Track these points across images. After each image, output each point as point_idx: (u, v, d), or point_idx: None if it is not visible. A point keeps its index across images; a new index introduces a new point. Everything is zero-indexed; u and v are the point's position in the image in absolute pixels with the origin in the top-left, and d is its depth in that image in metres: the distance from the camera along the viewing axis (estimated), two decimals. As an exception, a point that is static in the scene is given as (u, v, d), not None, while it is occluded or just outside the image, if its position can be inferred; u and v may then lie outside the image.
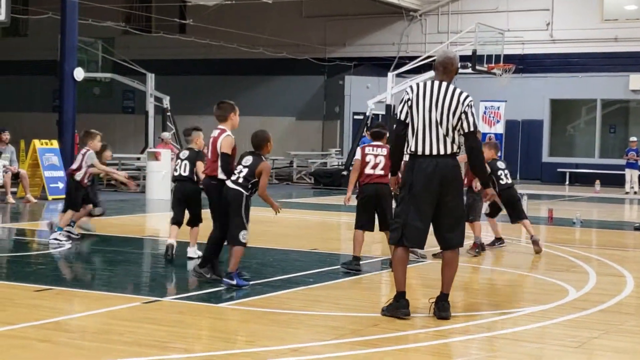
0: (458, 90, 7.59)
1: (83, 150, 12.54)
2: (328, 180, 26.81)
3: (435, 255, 11.10)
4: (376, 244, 12.05)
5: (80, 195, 12.46)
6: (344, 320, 7.55)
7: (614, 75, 30.30)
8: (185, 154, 10.99)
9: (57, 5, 22.39)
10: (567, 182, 30.61)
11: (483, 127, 27.39)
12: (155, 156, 21.35)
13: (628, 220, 18.45)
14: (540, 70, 31.44)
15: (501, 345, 6.81)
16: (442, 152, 7.49)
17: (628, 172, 26.51)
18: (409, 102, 7.57)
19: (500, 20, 30.87)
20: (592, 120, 32.04)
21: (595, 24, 30.77)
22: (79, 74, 21.49)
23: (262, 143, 8.98)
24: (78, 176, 12.39)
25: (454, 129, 7.51)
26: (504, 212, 12.59)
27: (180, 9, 33.41)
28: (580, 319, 7.75)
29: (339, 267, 10.35)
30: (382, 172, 9.89)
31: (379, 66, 32.27)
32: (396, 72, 27.56)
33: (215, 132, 9.18)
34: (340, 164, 30.42)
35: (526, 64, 30.90)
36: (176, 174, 10.93)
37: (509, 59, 28.33)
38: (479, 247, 11.82)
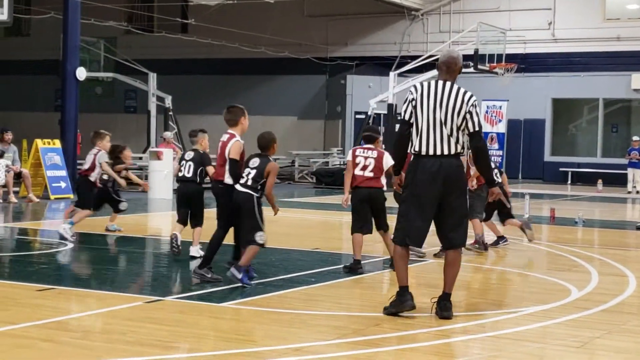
0: (462, 90, 7.58)
1: (94, 151, 12.61)
2: (330, 180, 26.81)
3: (436, 255, 11.11)
4: (377, 243, 12.04)
5: (92, 195, 12.55)
6: (346, 320, 7.56)
7: (616, 74, 30.29)
8: (190, 154, 11.10)
9: (59, 5, 22.41)
10: (569, 182, 30.60)
11: (485, 127, 27.40)
12: (157, 155, 21.36)
13: (630, 220, 18.44)
14: (542, 69, 31.43)
15: (503, 345, 6.80)
16: (446, 152, 7.49)
17: (630, 172, 26.50)
18: (413, 102, 7.56)
19: (502, 19, 30.86)
20: (594, 119, 32.03)
21: (597, 23, 30.76)
22: (82, 73, 21.51)
23: (269, 144, 9.09)
24: (92, 177, 12.49)
25: (458, 128, 7.51)
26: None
27: (182, 9, 33.42)
28: (582, 318, 7.75)
29: (340, 266, 10.36)
30: (371, 175, 9.91)
31: (380, 65, 32.26)
32: (398, 71, 27.57)
33: (225, 137, 9.21)
34: (342, 163, 30.41)
35: (528, 63, 30.89)
36: (180, 174, 11.02)
37: (511, 58, 28.34)
38: (479, 244, 11.83)
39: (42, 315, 7.33)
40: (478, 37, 26.69)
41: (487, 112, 28.99)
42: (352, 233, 10.15)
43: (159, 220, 17.06)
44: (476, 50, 26.40)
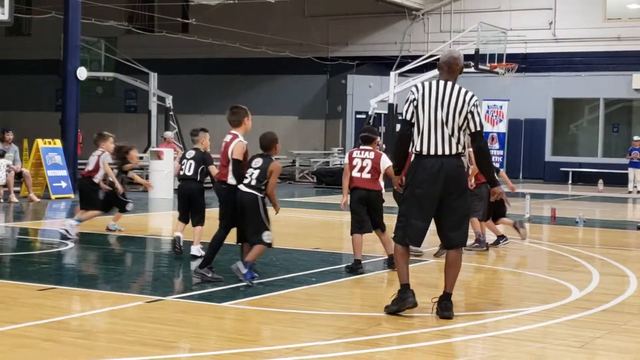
0: (464, 90, 7.58)
1: (98, 152, 12.64)
2: (330, 180, 26.81)
3: (436, 255, 11.11)
4: (377, 243, 12.03)
5: (97, 195, 12.59)
6: (347, 320, 7.56)
7: (617, 74, 30.29)
8: (191, 153, 11.15)
9: (60, 5, 22.42)
10: (569, 182, 30.59)
11: (486, 127, 27.38)
12: (157, 155, 21.37)
13: (631, 220, 18.43)
14: (543, 69, 31.43)
15: (504, 345, 6.80)
16: (447, 152, 7.48)
17: (631, 172, 26.50)
18: (415, 102, 7.56)
19: (502, 19, 30.86)
20: (595, 119, 32.02)
21: (598, 23, 30.76)
22: (82, 73, 21.51)
23: (271, 144, 9.15)
24: (96, 178, 12.52)
25: (459, 128, 7.50)
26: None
27: (182, 9, 33.43)
28: (583, 318, 7.75)
29: (341, 266, 10.36)
30: (368, 176, 9.90)
31: (381, 65, 32.26)
32: (398, 71, 27.57)
33: (228, 137, 9.24)
34: (342, 163, 30.41)
35: (529, 63, 30.89)
36: (181, 173, 11.06)
37: (511, 58, 28.34)
38: (479, 242, 11.83)
39: (43, 314, 7.33)
40: (479, 36, 26.69)
41: (487, 112, 28.99)
42: (351, 234, 10.15)
43: (160, 220, 17.07)
44: (477, 50, 26.42)
